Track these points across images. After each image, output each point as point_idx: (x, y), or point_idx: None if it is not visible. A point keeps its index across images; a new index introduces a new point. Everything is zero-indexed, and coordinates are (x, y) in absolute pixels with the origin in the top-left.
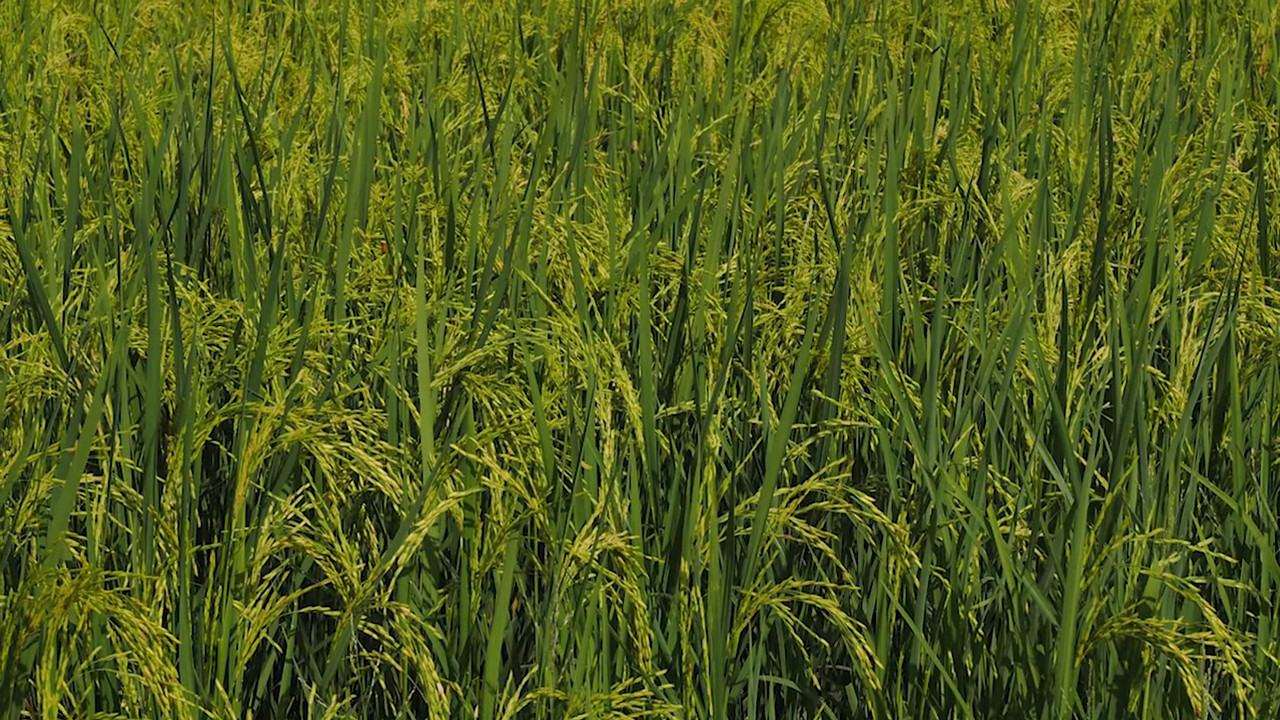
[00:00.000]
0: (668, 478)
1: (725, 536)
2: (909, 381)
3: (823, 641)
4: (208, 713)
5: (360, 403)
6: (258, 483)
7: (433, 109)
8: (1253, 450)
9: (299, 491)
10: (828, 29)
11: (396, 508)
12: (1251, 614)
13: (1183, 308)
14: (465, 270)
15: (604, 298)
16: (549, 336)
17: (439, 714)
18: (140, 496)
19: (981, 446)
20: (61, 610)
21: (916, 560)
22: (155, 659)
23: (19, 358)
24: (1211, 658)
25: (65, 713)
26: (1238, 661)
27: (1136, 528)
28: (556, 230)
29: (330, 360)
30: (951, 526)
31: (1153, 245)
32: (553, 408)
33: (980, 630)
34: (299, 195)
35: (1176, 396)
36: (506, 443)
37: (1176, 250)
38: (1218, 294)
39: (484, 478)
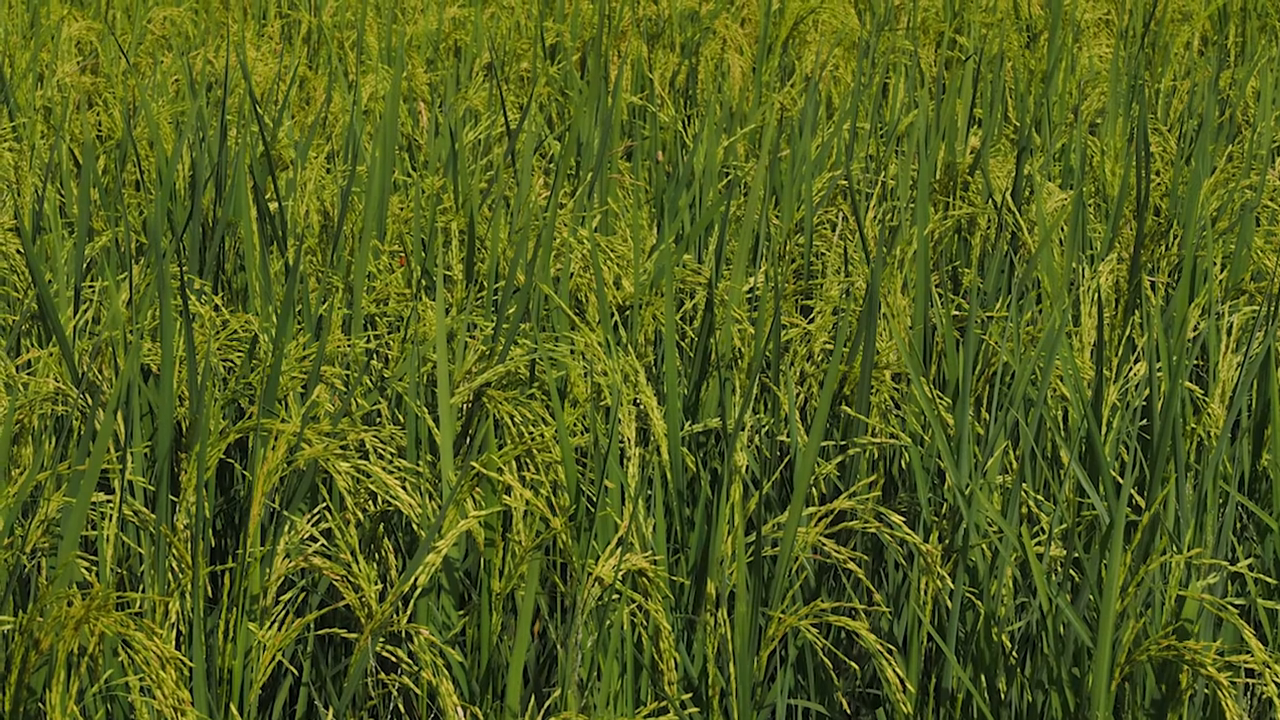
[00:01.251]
0: (693, 496)
1: (752, 557)
2: (941, 398)
3: (852, 664)
4: None
5: (378, 420)
6: (273, 501)
7: (452, 118)
8: None
9: (315, 510)
10: (857, 36)
11: (415, 527)
12: None
13: (1221, 322)
14: (486, 284)
15: (628, 312)
16: (572, 352)
17: None
18: (153, 516)
19: (1015, 464)
20: (72, 632)
21: (948, 581)
22: (168, 682)
23: (29, 373)
24: (1251, 681)
25: None
26: (1278, 684)
27: (1174, 548)
28: (579, 243)
29: (347, 376)
30: (984, 546)
31: (1190, 258)
32: (575, 425)
33: (1014, 653)
34: (315, 207)
35: (1215, 413)
36: (528, 460)
37: (1215, 263)
38: (1257, 308)
39: (505, 496)
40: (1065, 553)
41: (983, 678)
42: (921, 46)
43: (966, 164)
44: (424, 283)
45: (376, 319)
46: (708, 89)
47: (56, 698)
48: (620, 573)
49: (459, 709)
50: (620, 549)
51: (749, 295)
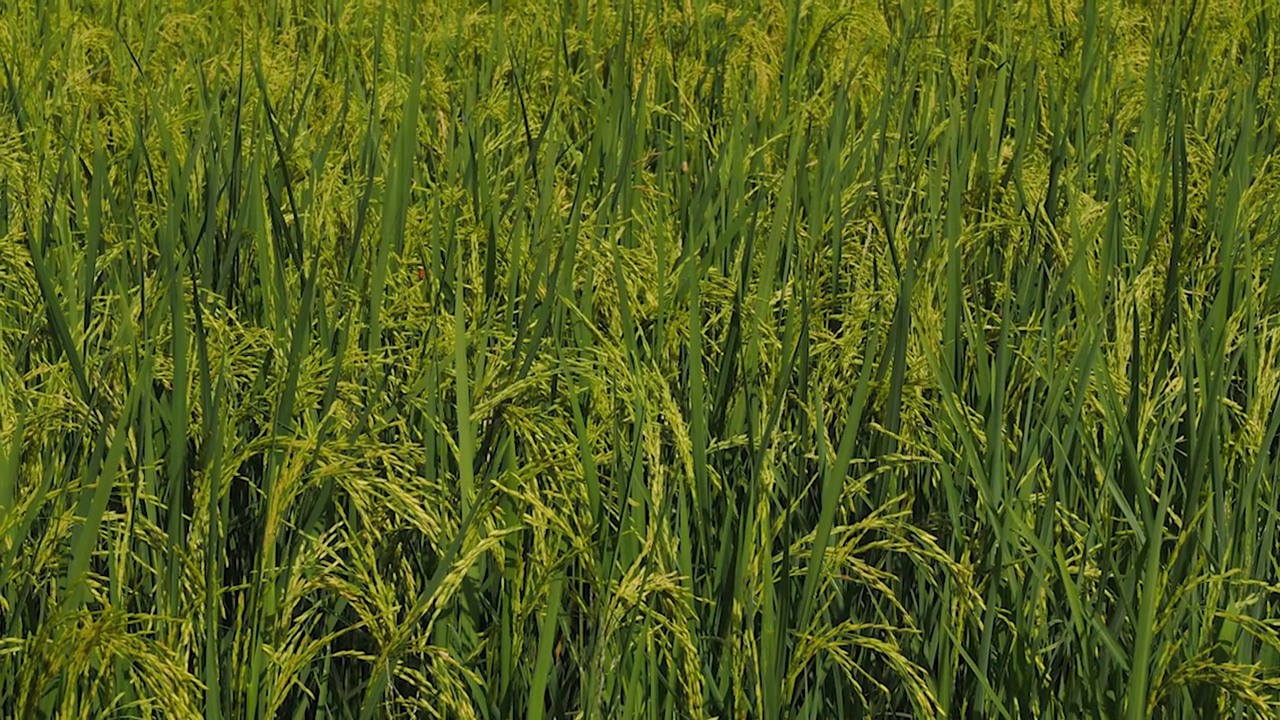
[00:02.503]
0: (719, 515)
1: (780, 577)
2: (972, 414)
3: (882, 687)
4: None
5: (396, 436)
6: (288, 520)
7: (472, 128)
8: None
9: (332, 530)
10: (887, 44)
11: (434, 547)
12: None
13: (1260, 336)
14: (506, 297)
15: (652, 326)
16: (594, 367)
17: None
18: (165, 535)
19: (1049, 482)
20: (82, 654)
21: (980, 602)
22: (181, 705)
23: (38, 389)
24: None
25: None
26: None
27: (1212, 568)
28: (602, 255)
29: (365, 392)
30: (1017, 566)
31: (1229, 271)
32: (598, 442)
33: (1047, 676)
34: (332, 218)
35: (1254, 430)
36: (550, 478)
37: (1254, 276)
38: None
39: (526, 515)
40: (1100, 573)
41: (1015, 701)
42: (953, 54)
43: (999, 174)
44: (443, 296)
45: (394, 333)
46: (734, 98)
47: None
48: (644, 593)
49: None
50: (644, 569)
51: (776, 309)
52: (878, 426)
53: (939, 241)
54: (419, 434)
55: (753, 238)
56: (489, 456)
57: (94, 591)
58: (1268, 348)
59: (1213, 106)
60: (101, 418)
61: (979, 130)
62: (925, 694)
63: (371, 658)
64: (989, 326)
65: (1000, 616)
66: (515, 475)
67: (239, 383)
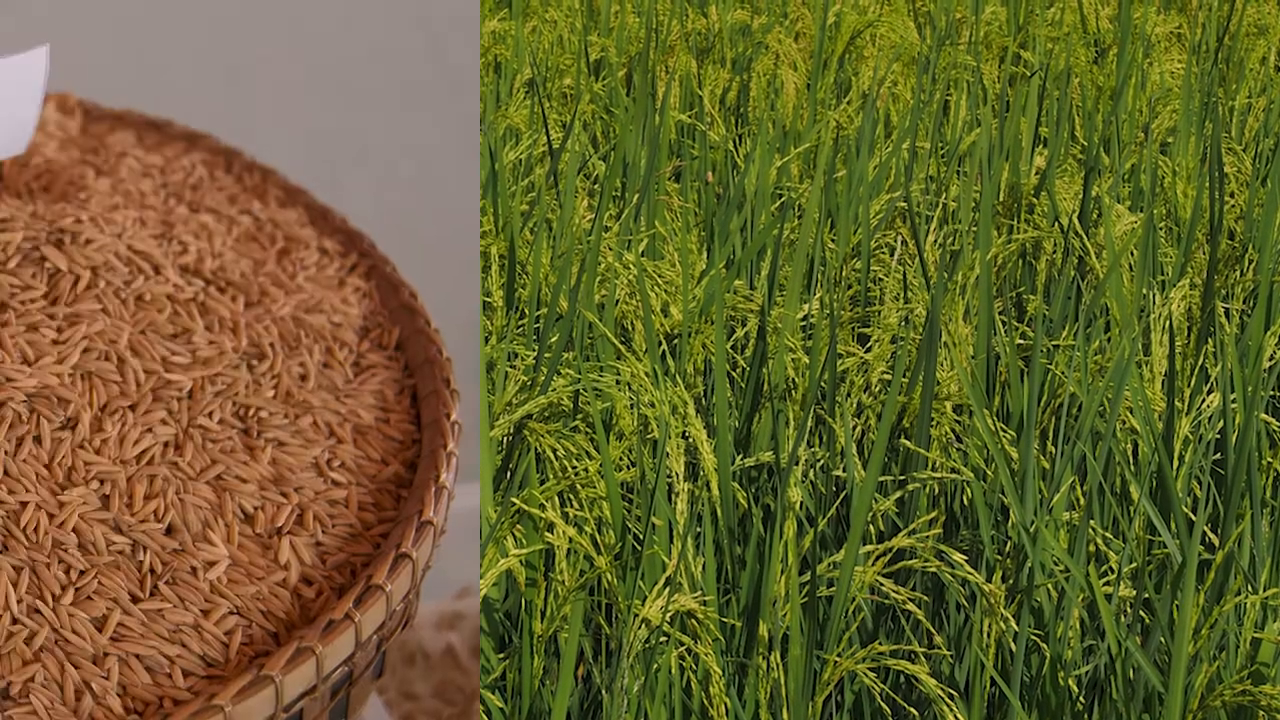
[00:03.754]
0: (745, 534)
1: (807, 597)
2: (1004, 430)
3: (912, 710)
4: None
5: None
6: None
7: (492, 137)
8: None
9: None
10: (917, 51)
11: None
12: None
13: None
14: (527, 311)
15: (676, 340)
16: (617, 382)
17: None
18: None
19: (1083, 500)
20: None
21: (1013, 623)
22: None
23: None
24: None
25: None
26: None
27: (1250, 588)
28: (625, 268)
29: None
30: (1050, 586)
31: (1266, 284)
32: (621, 459)
33: (1081, 698)
34: None
35: None
36: (571, 496)
37: None
38: None
39: (547, 534)
40: (1135, 593)
41: None
42: (984, 62)
43: (1031, 185)
44: None
45: None
46: (760, 106)
47: None
48: (668, 614)
49: None
50: (668, 589)
51: (803, 323)
52: (907, 443)
53: (970, 253)
54: None
55: (779, 250)
56: (509, 474)
57: None
58: None
59: (1250, 115)
60: None
61: (1011, 139)
62: (956, 716)
63: None
64: (1021, 340)
65: (1033, 638)
66: (536, 493)
67: None
